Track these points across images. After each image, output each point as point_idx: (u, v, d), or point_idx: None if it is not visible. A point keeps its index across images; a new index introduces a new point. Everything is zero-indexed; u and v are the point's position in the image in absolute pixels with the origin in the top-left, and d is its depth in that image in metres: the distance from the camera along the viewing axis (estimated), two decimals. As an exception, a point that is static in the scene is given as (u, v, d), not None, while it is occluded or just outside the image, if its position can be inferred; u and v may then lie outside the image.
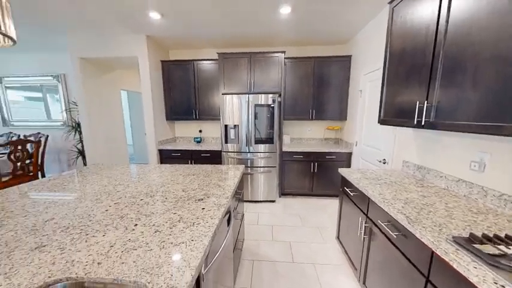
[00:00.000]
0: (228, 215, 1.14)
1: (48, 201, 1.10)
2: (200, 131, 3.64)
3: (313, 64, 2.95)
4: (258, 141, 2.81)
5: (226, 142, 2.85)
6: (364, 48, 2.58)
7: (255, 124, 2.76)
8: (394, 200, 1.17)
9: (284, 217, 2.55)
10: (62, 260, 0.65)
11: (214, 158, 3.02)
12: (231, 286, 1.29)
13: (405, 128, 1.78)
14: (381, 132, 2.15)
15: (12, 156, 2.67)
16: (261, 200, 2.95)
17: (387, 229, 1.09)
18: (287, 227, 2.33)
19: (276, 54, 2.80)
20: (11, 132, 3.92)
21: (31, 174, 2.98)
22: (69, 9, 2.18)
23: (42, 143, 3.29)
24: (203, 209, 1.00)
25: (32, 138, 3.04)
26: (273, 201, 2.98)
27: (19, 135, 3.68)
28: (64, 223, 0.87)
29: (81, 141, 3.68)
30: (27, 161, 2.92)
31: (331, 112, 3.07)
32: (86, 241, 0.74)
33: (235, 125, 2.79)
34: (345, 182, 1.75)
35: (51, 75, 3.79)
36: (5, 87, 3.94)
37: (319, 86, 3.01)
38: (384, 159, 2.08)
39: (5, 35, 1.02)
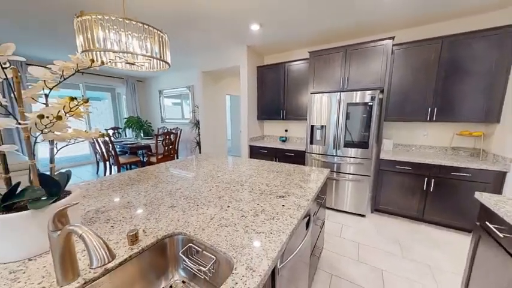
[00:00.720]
0: (307, 218, 1.11)
1: (179, 175, 1.55)
2: (286, 131, 3.76)
3: (440, 46, 2.20)
4: (348, 145, 2.50)
5: (311, 143, 2.77)
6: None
7: (345, 125, 2.48)
8: None
9: (376, 238, 2.12)
10: (183, 220, 0.90)
11: (297, 157, 3.02)
12: (304, 291, 1.25)
13: None
14: None
15: (163, 143, 4.02)
16: (347, 211, 2.61)
17: None
18: (379, 251, 1.92)
19: (381, 42, 2.33)
20: (164, 126, 5.88)
21: (172, 156, 4.34)
22: (197, 35, 2.94)
23: (178, 134, 4.69)
24: (283, 206, 1.03)
25: (173, 131, 4.42)
26: (362, 216, 2.55)
27: (168, 129, 5.46)
28: (186, 193, 1.20)
29: (199, 135, 4.89)
30: (170, 146, 4.29)
31: (467, 111, 2.17)
32: (196, 210, 0.99)
33: (322, 126, 2.64)
34: (488, 214, 1.19)
35: (186, 87, 5.29)
36: (164, 97, 5.95)
37: (448, 76, 2.20)
38: None
39: (165, 62, 1.53)
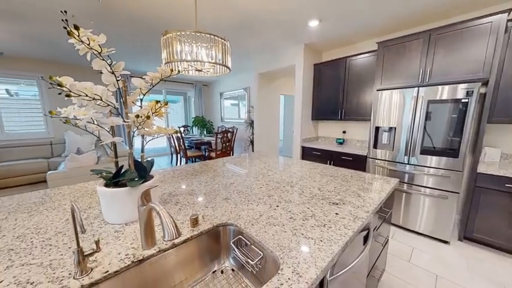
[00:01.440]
0: (365, 232, 0.98)
1: (233, 171, 1.68)
2: (344, 132, 3.43)
3: None
4: (428, 152, 2.03)
5: (375, 147, 2.41)
6: None
7: (424, 127, 2.02)
8: None
9: (465, 274, 1.64)
10: (235, 212, 0.96)
11: (356, 163, 2.70)
12: (358, 313, 1.11)
13: None
14: None
15: (222, 140, 4.44)
16: (421, 232, 2.14)
17: None
18: (469, 292, 1.48)
19: (487, 19, 1.77)
20: (223, 125, 6.47)
21: (228, 152, 4.74)
22: (255, 38, 3.07)
23: (235, 133, 5.07)
24: (337, 214, 0.95)
25: (230, 130, 4.81)
26: (445, 242, 2.03)
27: (225, 127, 5.99)
28: (238, 188, 1.29)
29: (252, 134, 5.13)
30: (227, 144, 4.69)
31: None
32: (247, 205, 1.04)
33: (390, 128, 2.26)
34: None
35: (243, 88, 5.64)
36: (224, 98, 6.56)
37: None
38: None
39: (226, 67, 1.68)
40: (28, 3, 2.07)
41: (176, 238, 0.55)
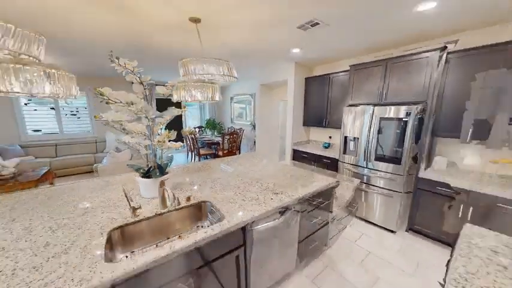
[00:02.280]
0: (284, 210, 1.59)
1: (223, 169, 2.34)
2: (330, 137, 3.91)
3: None
4: (379, 158, 2.50)
5: (344, 153, 2.91)
6: None
7: (377, 139, 2.49)
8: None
9: (393, 253, 2.15)
10: (213, 196, 1.63)
11: (333, 165, 3.20)
12: (292, 266, 1.73)
13: None
14: None
15: (228, 140, 5.15)
16: (375, 223, 2.63)
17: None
18: (386, 263, 2.00)
19: (424, 55, 2.18)
20: (232, 127, 7.19)
21: (234, 151, 5.45)
22: (253, 59, 3.67)
23: (240, 134, 5.75)
24: (271, 199, 1.57)
25: (237, 131, 5.50)
26: (392, 232, 2.51)
27: (234, 129, 6.70)
28: (221, 182, 1.95)
29: (255, 135, 5.76)
30: (233, 144, 5.40)
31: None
32: (222, 193, 1.70)
33: (355, 137, 2.74)
34: None
35: (249, 94, 6.27)
36: (234, 102, 7.25)
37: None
38: None
39: (233, 77, 2.32)
40: (86, 46, 2.93)
41: (177, 206, 1.24)
